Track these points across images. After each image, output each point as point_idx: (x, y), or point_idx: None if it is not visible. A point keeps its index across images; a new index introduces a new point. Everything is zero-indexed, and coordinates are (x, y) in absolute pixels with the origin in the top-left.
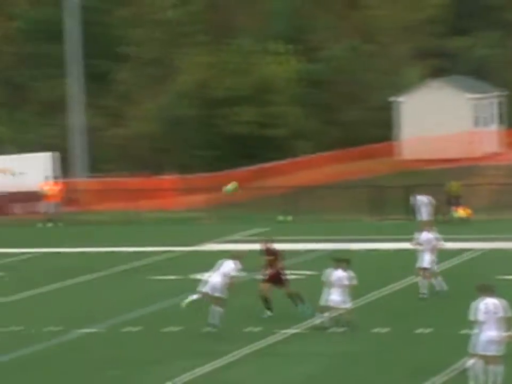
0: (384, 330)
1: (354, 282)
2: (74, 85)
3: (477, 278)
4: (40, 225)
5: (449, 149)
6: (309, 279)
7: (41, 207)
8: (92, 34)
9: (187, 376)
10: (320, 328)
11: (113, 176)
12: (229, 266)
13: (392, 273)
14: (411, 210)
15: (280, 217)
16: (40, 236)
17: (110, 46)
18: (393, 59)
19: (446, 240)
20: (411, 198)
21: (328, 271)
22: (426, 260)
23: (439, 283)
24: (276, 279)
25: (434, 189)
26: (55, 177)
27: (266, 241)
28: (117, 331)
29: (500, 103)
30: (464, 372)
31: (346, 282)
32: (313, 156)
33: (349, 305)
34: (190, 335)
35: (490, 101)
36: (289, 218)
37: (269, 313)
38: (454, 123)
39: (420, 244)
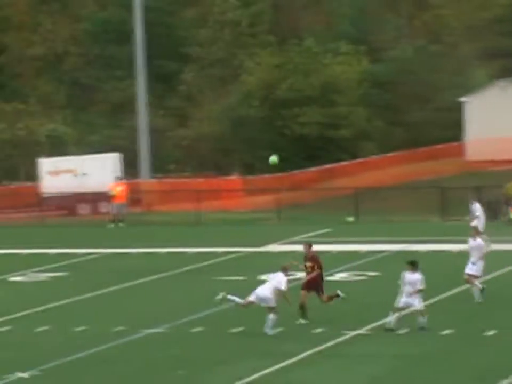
0: (449, 332)
1: (423, 285)
2: (141, 86)
3: None
4: (111, 225)
5: None
6: (372, 279)
7: (110, 207)
8: (157, 35)
9: (253, 376)
10: (388, 330)
11: (177, 177)
12: (278, 280)
13: (458, 275)
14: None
15: (350, 218)
16: (106, 236)
17: (175, 47)
18: (460, 59)
19: (504, 242)
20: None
21: (404, 273)
22: (472, 266)
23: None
24: (312, 286)
25: (497, 191)
26: (120, 178)
27: (309, 246)
28: (182, 331)
29: None
30: None
31: (419, 285)
32: (378, 156)
33: (421, 306)
34: (255, 335)
35: None
36: (351, 219)
37: (302, 321)
38: None
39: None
